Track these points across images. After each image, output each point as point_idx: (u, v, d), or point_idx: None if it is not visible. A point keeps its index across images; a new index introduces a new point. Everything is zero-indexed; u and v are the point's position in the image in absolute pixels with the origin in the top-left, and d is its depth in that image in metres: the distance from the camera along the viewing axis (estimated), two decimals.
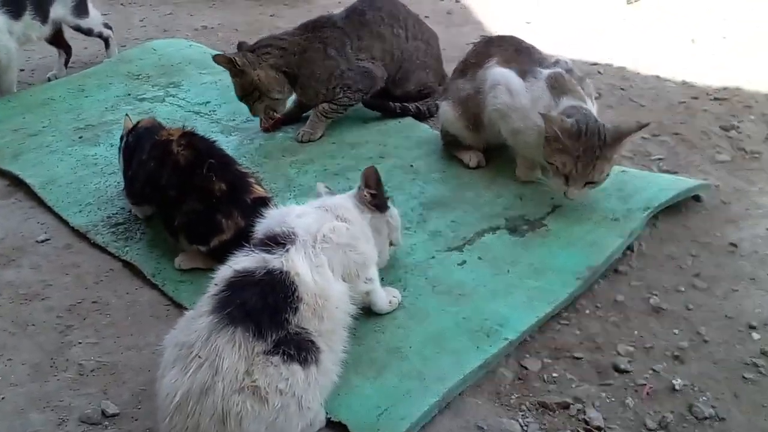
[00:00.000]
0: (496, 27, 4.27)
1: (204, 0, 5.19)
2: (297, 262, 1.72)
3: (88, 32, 4.04)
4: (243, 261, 1.73)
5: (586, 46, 3.89)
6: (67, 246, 2.52)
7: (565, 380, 1.88)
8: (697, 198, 2.54)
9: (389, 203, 2.14)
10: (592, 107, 2.50)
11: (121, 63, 4.01)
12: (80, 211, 2.68)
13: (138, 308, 2.19)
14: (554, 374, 1.90)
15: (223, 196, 2.23)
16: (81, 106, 3.53)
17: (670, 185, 2.49)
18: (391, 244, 2.16)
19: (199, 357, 1.53)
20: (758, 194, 2.58)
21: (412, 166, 2.85)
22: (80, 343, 2.06)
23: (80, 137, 3.24)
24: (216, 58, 3.07)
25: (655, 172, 2.71)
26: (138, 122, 2.63)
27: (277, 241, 1.77)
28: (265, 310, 1.60)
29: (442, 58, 3.41)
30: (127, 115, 2.74)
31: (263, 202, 2.26)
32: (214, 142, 2.46)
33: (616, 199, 2.46)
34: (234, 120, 3.36)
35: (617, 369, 1.90)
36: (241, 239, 1.99)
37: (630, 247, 2.32)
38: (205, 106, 3.50)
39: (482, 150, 2.81)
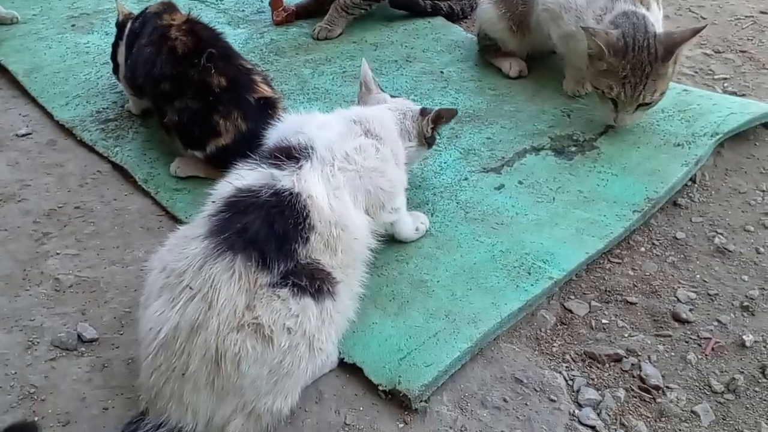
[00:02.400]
0: None
1: None
2: (311, 183, 1.42)
3: None
4: (247, 176, 1.43)
5: None
6: (51, 142, 2.23)
7: (615, 328, 1.62)
8: (767, 125, 2.21)
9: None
10: (658, 12, 2.14)
11: None
12: (67, 104, 2.37)
13: (126, 217, 1.92)
14: (603, 320, 1.64)
15: (222, 93, 1.92)
16: None
17: (741, 109, 2.16)
18: None
19: (190, 288, 1.26)
20: None
21: (442, 72, 2.51)
22: (58, 254, 1.80)
23: (72, 25, 2.91)
24: None
25: (720, 93, 2.37)
26: (147, 7, 2.28)
27: (290, 155, 1.47)
28: (271, 238, 1.32)
29: None
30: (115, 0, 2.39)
31: (269, 104, 1.96)
32: (220, 33, 2.12)
33: (679, 121, 2.14)
34: (243, 11, 3.01)
35: (677, 318, 1.64)
36: (243, 146, 1.71)
37: (692, 178, 2.01)
38: None
39: (525, 58, 2.47)
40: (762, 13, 2.88)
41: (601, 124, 2.14)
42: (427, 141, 1.80)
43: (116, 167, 2.10)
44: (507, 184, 1.95)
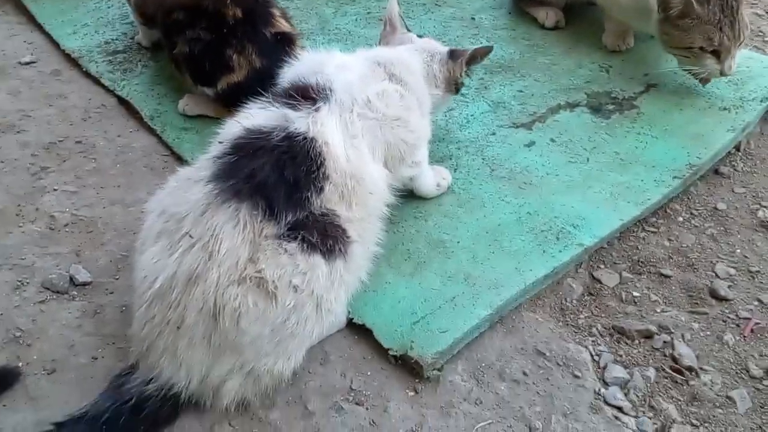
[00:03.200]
0: None
1: None
2: (328, 128, 1.29)
3: None
4: (257, 116, 1.30)
5: None
6: (55, 72, 2.11)
7: (647, 302, 1.50)
8: None
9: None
10: None
11: None
12: (74, 33, 2.24)
13: (130, 155, 1.81)
14: (634, 293, 1.51)
15: (237, 26, 1.79)
16: None
17: None
18: None
19: (190, 236, 1.15)
20: None
21: (473, 18, 2.35)
22: (55, 189, 1.69)
23: None
24: None
25: None
26: None
27: (306, 95, 1.33)
28: (280, 185, 1.20)
29: None
30: None
31: (287, 40, 1.83)
32: None
33: (726, 83, 1.97)
34: None
35: (714, 295, 1.51)
36: (257, 83, 1.58)
37: (736, 145, 1.86)
38: None
39: (562, 8, 2.31)
40: None
41: (642, 82, 1.99)
42: (456, 86, 1.64)
43: (122, 102, 1.98)
44: (538, 142, 1.81)
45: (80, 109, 1.95)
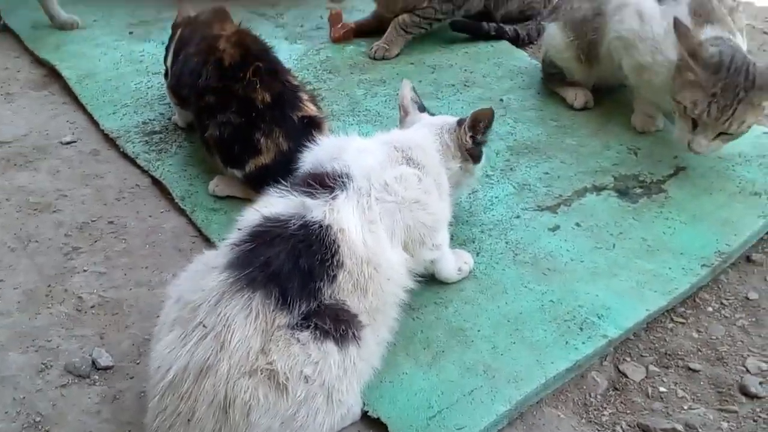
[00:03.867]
0: None
1: None
2: (344, 215, 1.31)
3: None
4: (276, 204, 1.33)
5: None
6: (94, 152, 2.18)
7: (674, 398, 1.45)
8: None
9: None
10: (743, 44, 1.97)
11: None
12: (114, 113, 2.33)
13: (159, 236, 1.85)
14: (661, 388, 1.46)
15: (266, 110, 1.84)
16: (139, 2, 3.15)
17: None
18: None
19: (204, 326, 1.16)
20: None
21: (501, 100, 2.38)
22: (85, 270, 1.73)
23: (130, 32, 2.90)
24: None
25: None
26: (198, 13, 2.22)
27: (324, 183, 1.36)
28: (295, 274, 1.21)
29: None
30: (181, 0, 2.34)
31: (314, 123, 1.88)
32: (270, 47, 2.03)
33: (758, 167, 1.94)
34: (302, 26, 2.94)
35: (745, 392, 1.45)
36: (284, 165, 1.64)
37: None
38: (272, 8, 3.09)
39: (591, 89, 2.32)
40: None
41: (672, 165, 1.97)
42: (470, 154, 1.63)
43: (155, 182, 2.04)
44: (563, 226, 1.80)
45: (115, 189, 2.02)
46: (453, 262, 1.61)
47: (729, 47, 1.81)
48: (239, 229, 1.32)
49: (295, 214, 1.29)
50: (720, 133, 1.83)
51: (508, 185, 1.96)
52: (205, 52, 1.97)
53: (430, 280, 1.60)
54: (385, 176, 1.40)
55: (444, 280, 1.61)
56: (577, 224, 1.80)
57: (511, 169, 2.03)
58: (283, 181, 1.43)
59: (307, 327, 1.19)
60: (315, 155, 1.49)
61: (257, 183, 1.82)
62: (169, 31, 2.27)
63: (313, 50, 2.74)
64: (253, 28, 2.79)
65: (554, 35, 2.30)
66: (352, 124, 2.27)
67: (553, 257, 1.70)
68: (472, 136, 1.61)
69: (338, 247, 1.27)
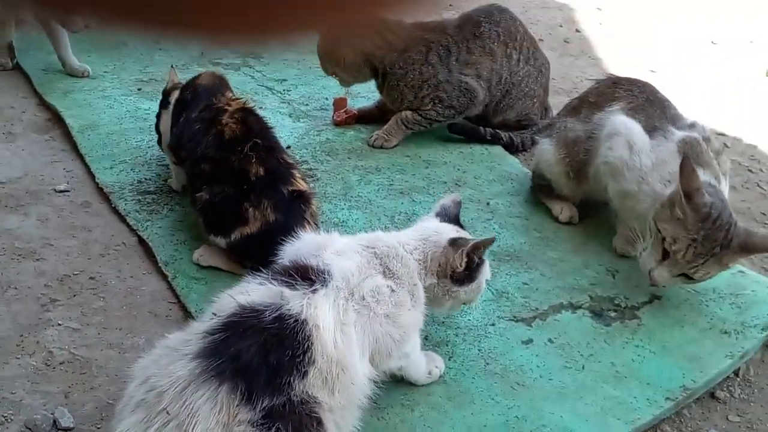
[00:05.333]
0: (617, 68, 3.79)
1: None
2: (321, 312, 1.32)
3: None
4: (254, 291, 1.34)
5: (713, 113, 3.40)
6: (86, 204, 2.21)
7: None
8: None
9: (483, 268, 1.65)
10: (726, 188, 2.06)
11: None
12: (111, 168, 2.37)
13: (138, 298, 1.86)
14: None
15: (257, 182, 1.90)
16: (152, 58, 3.26)
17: None
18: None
19: (167, 413, 1.16)
20: None
21: (488, 203, 2.44)
22: (60, 324, 1.73)
23: (139, 89, 2.97)
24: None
25: None
26: (197, 76, 2.29)
27: (305, 275, 1.38)
28: (263, 368, 1.22)
29: (548, 89, 3.00)
30: (172, 67, 2.43)
31: (303, 198, 1.94)
32: (271, 127, 2.10)
33: (730, 306, 2.00)
34: (307, 105, 3.02)
35: None
36: (268, 236, 1.70)
37: (735, 371, 1.86)
38: (281, 83, 3.18)
39: (577, 204, 2.39)
40: None
41: (648, 292, 2.02)
42: (456, 277, 1.59)
43: (142, 242, 2.06)
44: (536, 340, 1.83)
45: (101, 244, 2.03)
46: (423, 366, 1.62)
47: (720, 200, 1.87)
48: (214, 315, 1.33)
49: (272, 305, 1.30)
50: (683, 274, 1.88)
51: (487, 291, 1.99)
52: (207, 122, 2.04)
53: (400, 380, 1.61)
54: (362, 286, 1.41)
55: (414, 382, 1.62)
56: (550, 340, 1.83)
57: (492, 274, 2.07)
58: (265, 257, 1.45)
59: (268, 429, 1.18)
60: (296, 249, 1.51)
61: (240, 252, 1.87)
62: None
63: (314, 130, 2.81)
64: (259, 101, 2.94)
65: (546, 150, 2.39)
66: (342, 209, 2.32)
67: (523, 371, 1.72)
68: (468, 261, 1.58)
69: (311, 343, 1.28)
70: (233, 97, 2.13)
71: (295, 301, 1.31)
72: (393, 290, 1.46)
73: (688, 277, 1.88)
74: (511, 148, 2.85)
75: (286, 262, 1.46)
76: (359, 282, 1.40)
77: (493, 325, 1.87)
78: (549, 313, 1.94)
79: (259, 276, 1.38)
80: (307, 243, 1.52)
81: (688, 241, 1.82)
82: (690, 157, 1.94)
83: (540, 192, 2.46)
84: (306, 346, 1.27)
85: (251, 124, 2.04)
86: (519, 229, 2.32)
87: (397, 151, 2.74)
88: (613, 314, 1.95)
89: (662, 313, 1.96)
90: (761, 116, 3.42)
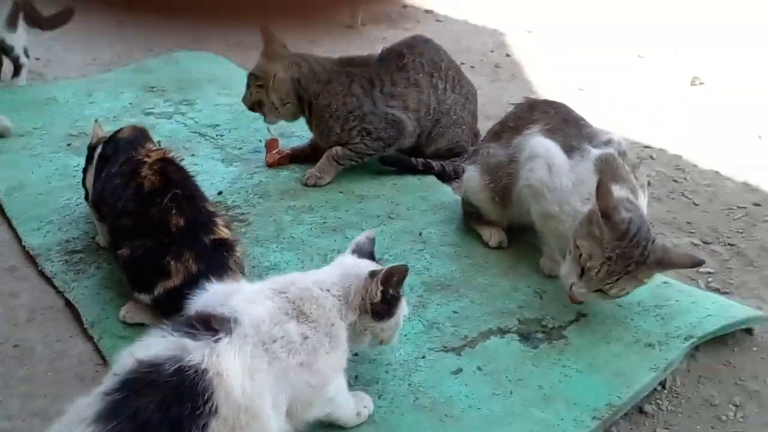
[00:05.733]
0: (546, 89, 3.91)
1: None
2: (224, 359, 1.31)
3: (8, 51, 3.42)
4: (154, 345, 1.34)
5: (640, 126, 3.50)
6: (12, 269, 2.19)
7: None
8: (748, 330, 2.12)
9: (400, 303, 1.67)
10: (644, 201, 2.12)
11: (139, 72, 3.75)
12: (39, 229, 2.35)
13: (64, 362, 1.84)
14: None
15: (178, 234, 1.90)
16: (82, 112, 3.25)
17: (719, 311, 2.07)
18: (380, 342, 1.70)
19: None
20: None
21: (421, 234, 2.47)
22: None
23: (68, 144, 2.96)
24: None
25: (703, 289, 2.30)
26: (119, 130, 2.29)
27: (208, 325, 1.37)
28: (164, 425, 1.22)
29: (477, 115, 3.06)
30: (96, 120, 2.44)
31: (226, 246, 1.94)
32: (192, 176, 2.12)
33: (654, 318, 2.05)
34: (240, 148, 3.04)
35: None
36: (193, 288, 1.65)
37: (662, 383, 1.90)
38: (213, 128, 3.19)
39: (506, 228, 2.43)
40: (755, 205, 2.85)
41: (574, 311, 2.06)
42: (375, 310, 1.59)
43: (69, 304, 2.04)
44: (465, 369, 1.85)
45: (27, 309, 2.01)
46: (352, 407, 1.62)
47: (639, 217, 1.92)
48: (114, 375, 1.32)
49: (172, 357, 1.29)
50: (600, 290, 1.93)
51: (418, 323, 2.02)
52: (127, 176, 2.04)
53: (327, 425, 1.61)
54: (273, 333, 1.41)
55: (343, 425, 1.62)
56: (479, 368, 1.86)
57: (423, 305, 2.09)
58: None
59: None
60: (203, 299, 1.50)
61: (166, 307, 1.85)
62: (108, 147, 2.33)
63: (247, 174, 2.82)
64: (191, 149, 2.95)
65: (472, 177, 2.43)
66: (275, 251, 2.33)
67: (452, 402, 1.74)
68: (383, 291, 1.59)
69: (212, 393, 1.27)
70: (153, 148, 2.14)
71: (196, 351, 1.31)
72: (306, 337, 1.45)
73: (604, 293, 1.93)
74: (444, 177, 2.90)
75: (192, 311, 1.46)
76: (269, 329, 1.41)
77: (423, 357, 1.89)
78: (479, 340, 1.96)
79: (161, 329, 1.38)
80: (216, 292, 1.52)
81: (603, 259, 1.87)
82: (606, 175, 2.00)
83: (470, 218, 2.50)
84: (206, 396, 1.26)
85: (170, 174, 2.04)
86: (450, 258, 2.35)
87: (331, 188, 2.77)
88: (540, 336, 1.98)
89: (588, 331, 2.00)
90: (686, 126, 3.53)
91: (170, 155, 2.12)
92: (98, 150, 2.24)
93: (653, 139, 3.36)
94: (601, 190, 1.90)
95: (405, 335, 1.95)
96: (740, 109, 3.72)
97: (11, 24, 3.33)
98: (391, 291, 1.61)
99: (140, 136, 2.21)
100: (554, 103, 2.44)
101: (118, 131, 2.25)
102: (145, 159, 2.07)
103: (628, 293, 1.92)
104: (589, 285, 1.90)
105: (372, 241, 1.77)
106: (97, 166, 2.20)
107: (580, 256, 1.92)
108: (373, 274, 1.60)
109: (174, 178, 2.03)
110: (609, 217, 1.88)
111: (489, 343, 1.95)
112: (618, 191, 1.98)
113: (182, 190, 1.99)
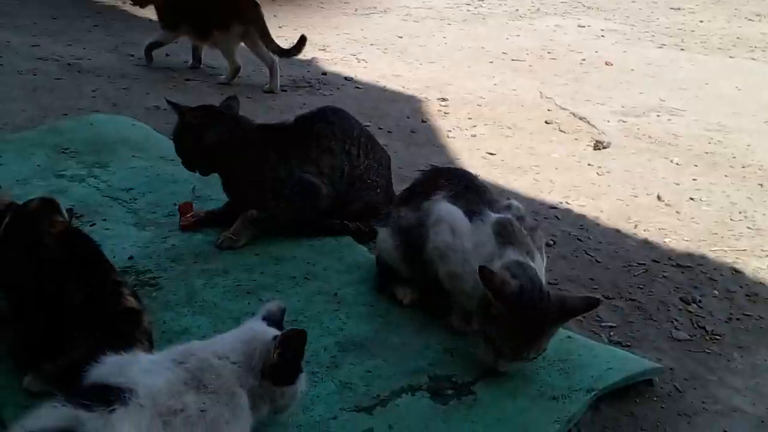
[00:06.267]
0: (459, 153, 4.07)
1: (164, 80, 4.97)
2: (119, 430, 1.30)
3: None
4: (45, 416, 1.31)
5: (546, 187, 3.68)
6: None
7: None
8: (649, 381, 2.22)
9: (300, 376, 1.70)
10: (542, 263, 2.24)
11: (51, 133, 3.69)
12: None
13: None
14: None
15: (82, 305, 1.88)
16: None
17: (620, 364, 2.17)
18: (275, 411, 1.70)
19: None
20: (717, 385, 2.27)
21: (336, 294, 2.50)
22: None
23: None
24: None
25: (605, 342, 2.41)
26: (27, 202, 2.24)
27: (103, 396, 1.36)
28: None
29: (392, 179, 3.15)
30: (0, 187, 2.39)
31: (132, 316, 1.92)
32: (98, 246, 2.12)
33: (558, 372, 2.12)
34: (154, 212, 3.01)
35: None
36: (94, 360, 1.61)
37: None
38: (127, 192, 3.16)
39: (419, 287, 2.49)
40: (654, 261, 3.02)
41: (481, 367, 2.12)
42: (273, 373, 1.61)
43: None
44: (376, 428, 1.87)
45: None
46: None
47: (529, 279, 2.02)
48: None
49: (65, 428, 1.27)
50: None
51: (330, 383, 2.03)
52: (28, 249, 2.01)
53: None
54: (169, 404, 1.40)
55: None
56: (390, 426, 1.88)
57: (336, 366, 2.11)
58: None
59: None
60: (98, 371, 1.49)
61: (69, 378, 1.80)
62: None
63: (160, 238, 2.80)
64: (102, 213, 2.91)
65: (384, 239, 2.50)
66: (186, 315, 2.31)
67: None
68: (281, 353, 1.61)
69: None
70: (58, 220, 2.11)
71: (90, 423, 1.29)
72: (205, 409, 1.45)
73: (525, 360, 2.02)
74: (360, 237, 2.95)
75: (87, 383, 1.43)
76: (167, 401, 1.40)
77: (335, 418, 1.90)
78: (390, 398, 1.99)
79: (56, 400, 1.35)
80: (113, 363, 1.51)
81: (511, 334, 1.96)
82: (503, 238, 2.11)
83: (384, 278, 2.55)
84: None
85: (75, 245, 2.04)
86: (365, 317, 2.38)
87: (247, 250, 2.77)
88: (450, 392, 2.02)
89: (496, 386, 2.06)
90: (589, 188, 3.72)
91: (76, 225, 2.11)
92: (6, 219, 2.19)
93: (558, 199, 3.53)
94: (484, 273, 2.00)
95: (317, 396, 1.97)
96: (641, 171, 3.95)
97: None
98: (288, 355, 1.63)
99: (48, 208, 2.18)
100: (458, 171, 2.60)
101: (26, 203, 2.21)
102: (50, 230, 2.05)
103: (545, 350, 2.01)
104: (509, 358, 2.00)
105: (283, 311, 1.80)
106: (1, 236, 2.15)
107: (492, 339, 2.00)
108: (275, 338, 1.63)
109: (78, 248, 2.02)
110: (500, 292, 1.97)
111: (400, 401, 1.98)
112: (510, 254, 2.10)
113: (86, 261, 1.98)
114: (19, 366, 1.96)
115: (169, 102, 2.90)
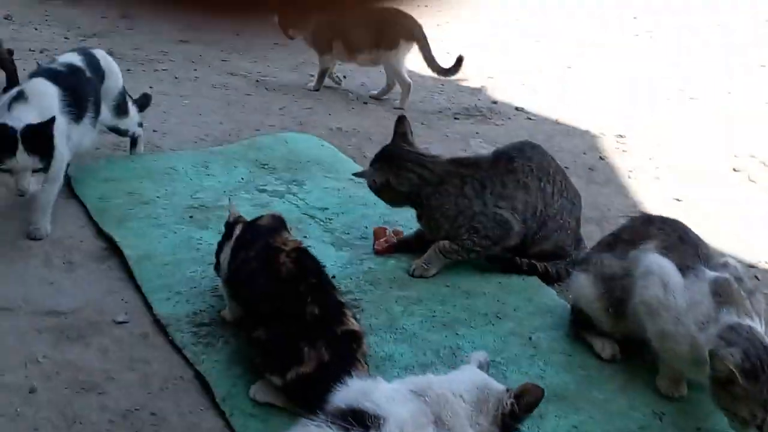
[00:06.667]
0: (642, 196, 3.94)
1: (343, 101, 5.16)
2: None
3: (123, 133, 3.56)
4: None
5: (742, 242, 3.48)
6: (144, 336, 2.30)
7: None
8: None
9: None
10: (761, 328, 2.10)
11: (251, 148, 3.92)
12: (168, 299, 2.47)
13: None
14: None
15: (312, 322, 2.00)
16: (201, 183, 3.42)
17: None
18: None
19: None
20: None
21: (530, 338, 2.49)
22: None
23: (191, 216, 3.09)
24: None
25: None
26: (259, 217, 2.43)
27: (361, 420, 1.42)
28: None
29: (581, 221, 3.11)
30: (230, 200, 2.58)
31: (354, 338, 2.03)
32: (323, 266, 2.24)
33: None
34: (348, 233, 3.13)
35: None
36: (322, 377, 1.77)
37: None
38: (323, 212, 3.31)
39: (618, 340, 2.43)
40: None
41: None
42: (504, 424, 1.60)
43: (198, 375, 2.12)
44: None
45: (160, 377, 2.10)
46: None
47: (749, 341, 1.92)
48: None
49: None
50: None
51: None
52: (264, 262, 2.16)
53: None
54: None
55: None
56: None
57: (540, 417, 2.08)
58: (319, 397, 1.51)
59: None
60: (345, 393, 1.54)
61: (294, 392, 1.92)
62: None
63: (357, 259, 2.91)
64: (303, 230, 3.06)
65: (584, 286, 2.45)
66: (388, 342, 2.38)
67: None
68: (513, 405, 1.60)
69: None
70: (289, 238, 2.26)
71: None
72: None
73: None
74: (547, 279, 2.93)
75: (342, 405, 1.49)
76: (414, 430, 1.45)
77: None
78: None
79: (315, 419, 1.43)
80: (356, 387, 1.56)
81: (764, 405, 1.86)
82: (721, 298, 2.02)
83: (580, 327, 2.51)
84: None
85: (305, 262, 2.16)
86: (563, 366, 2.35)
87: (437, 281, 2.82)
88: None
89: None
90: None
91: (304, 246, 2.24)
92: (237, 230, 2.36)
93: (757, 256, 3.33)
94: (713, 359, 1.90)
95: None
96: None
97: (120, 113, 3.41)
98: (522, 408, 1.63)
99: (278, 224, 2.34)
100: (670, 220, 2.47)
101: (257, 218, 2.39)
102: (283, 247, 2.18)
103: None
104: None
105: (488, 364, 1.81)
106: (234, 247, 2.33)
107: (744, 422, 1.90)
108: (508, 390, 1.65)
109: (309, 266, 2.15)
110: (738, 371, 1.87)
111: None
112: (729, 316, 2.00)
113: (316, 279, 2.10)
114: (245, 374, 2.11)
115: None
